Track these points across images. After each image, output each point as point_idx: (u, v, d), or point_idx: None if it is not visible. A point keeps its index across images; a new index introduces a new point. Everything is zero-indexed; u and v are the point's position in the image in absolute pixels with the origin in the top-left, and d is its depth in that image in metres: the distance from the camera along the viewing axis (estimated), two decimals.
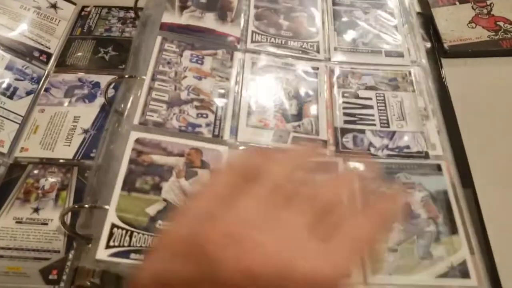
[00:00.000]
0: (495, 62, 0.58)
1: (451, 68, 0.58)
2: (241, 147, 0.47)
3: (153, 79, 0.50)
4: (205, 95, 0.50)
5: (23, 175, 0.48)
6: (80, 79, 0.56)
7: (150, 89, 0.49)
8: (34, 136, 0.51)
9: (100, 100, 0.54)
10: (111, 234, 0.39)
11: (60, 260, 0.43)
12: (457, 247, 0.41)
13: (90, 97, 0.54)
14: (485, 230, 0.43)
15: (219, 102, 0.50)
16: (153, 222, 0.40)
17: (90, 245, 0.39)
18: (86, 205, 0.42)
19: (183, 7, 0.57)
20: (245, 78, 0.52)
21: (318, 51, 0.56)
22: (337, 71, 0.54)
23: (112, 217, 0.40)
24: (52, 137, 0.50)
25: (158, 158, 0.44)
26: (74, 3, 0.63)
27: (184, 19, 0.56)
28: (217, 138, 0.47)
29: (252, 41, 0.55)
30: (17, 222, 0.44)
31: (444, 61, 0.58)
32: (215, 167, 0.45)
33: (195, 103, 0.49)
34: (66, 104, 0.53)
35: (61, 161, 0.49)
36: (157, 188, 0.42)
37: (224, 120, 0.48)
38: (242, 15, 0.58)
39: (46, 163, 0.49)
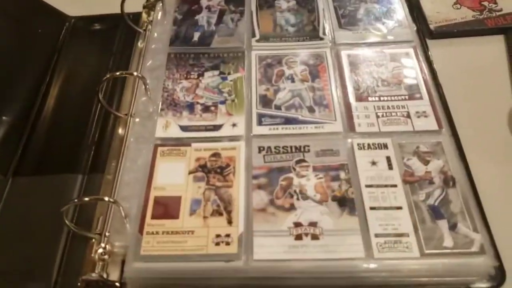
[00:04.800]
0: (480, 41, 0.59)
1: (437, 49, 0.58)
2: None
3: None
4: None
5: None
6: None
7: None
8: None
9: None
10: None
11: None
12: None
13: None
14: (480, 204, 0.44)
15: None
16: None
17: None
18: (87, 198, 0.43)
19: None
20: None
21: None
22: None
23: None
24: None
25: None
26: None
27: None
28: None
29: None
30: None
31: (429, 42, 0.59)
32: None
33: None
34: None
35: None
36: None
37: None
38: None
39: None
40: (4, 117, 0.53)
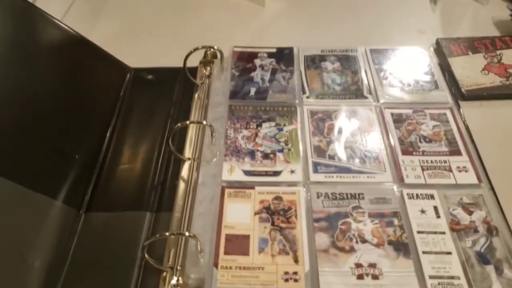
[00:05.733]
0: (508, 104, 0.65)
1: (469, 110, 0.64)
2: None
3: None
4: None
5: None
6: None
7: None
8: None
9: None
10: None
11: None
12: None
13: None
14: None
15: None
16: None
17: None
18: (167, 233, 0.47)
19: None
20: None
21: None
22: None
23: None
24: None
25: None
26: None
27: None
28: None
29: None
30: None
31: (462, 103, 0.65)
32: None
33: None
34: None
35: None
36: None
37: None
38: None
39: None
40: (77, 156, 0.57)
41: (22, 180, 0.49)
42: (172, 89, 0.69)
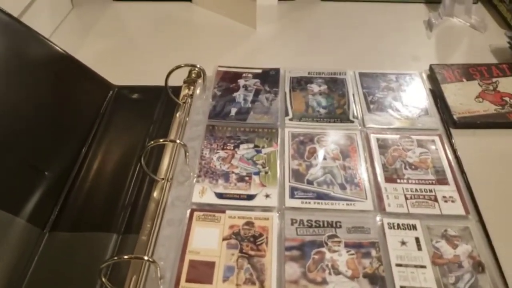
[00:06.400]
0: (503, 133, 0.62)
1: (461, 138, 0.61)
2: None
3: None
4: None
5: None
6: None
7: None
8: None
9: None
10: None
11: None
12: None
13: None
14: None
15: None
16: None
17: None
18: (126, 256, 0.44)
19: None
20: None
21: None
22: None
23: None
24: None
25: None
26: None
27: None
28: None
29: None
30: None
31: (453, 131, 0.62)
32: None
33: None
34: None
35: None
36: None
37: None
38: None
39: None
40: (46, 173, 0.55)
41: None
42: (154, 108, 0.67)
